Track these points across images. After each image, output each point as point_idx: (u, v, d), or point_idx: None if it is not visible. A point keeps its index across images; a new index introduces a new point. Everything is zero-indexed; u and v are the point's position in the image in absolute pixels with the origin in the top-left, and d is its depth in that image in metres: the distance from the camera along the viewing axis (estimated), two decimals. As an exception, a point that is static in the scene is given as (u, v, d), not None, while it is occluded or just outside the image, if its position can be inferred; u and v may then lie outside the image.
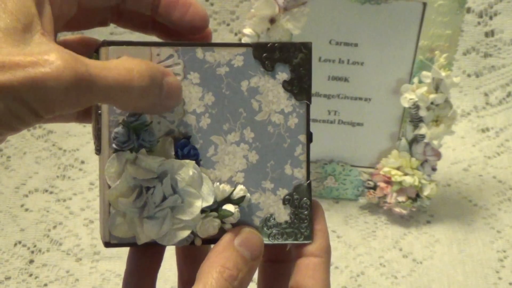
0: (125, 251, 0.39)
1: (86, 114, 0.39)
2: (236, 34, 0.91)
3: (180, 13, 0.36)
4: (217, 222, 0.35)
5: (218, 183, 0.36)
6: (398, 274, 0.71)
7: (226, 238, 0.35)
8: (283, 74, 0.36)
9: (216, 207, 0.36)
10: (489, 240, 0.76)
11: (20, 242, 0.71)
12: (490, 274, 0.71)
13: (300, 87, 0.37)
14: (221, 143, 0.36)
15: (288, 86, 0.37)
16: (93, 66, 0.28)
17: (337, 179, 0.79)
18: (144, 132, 0.34)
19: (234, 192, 0.36)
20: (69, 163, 0.82)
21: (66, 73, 0.27)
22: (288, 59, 0.36)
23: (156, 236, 0.34)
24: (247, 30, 0.69)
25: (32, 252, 0.70)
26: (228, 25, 0.91)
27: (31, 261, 0.69)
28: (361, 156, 0.79)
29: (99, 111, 0.34)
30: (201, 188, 0.35)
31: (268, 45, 0.36)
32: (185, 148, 0.35)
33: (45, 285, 0.67)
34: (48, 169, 0.81)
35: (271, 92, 0.36)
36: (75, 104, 0.28)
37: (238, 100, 0.36)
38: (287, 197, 0.37)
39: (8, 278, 0.67)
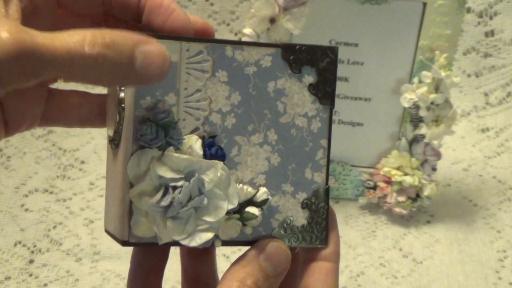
0: (125, 250, 0.39)
1: (89, 118, 0.38)
2: (236, 34, 0.91)
3: (161, 20, 0.35)
4: (239, 224, 0.35)
5: (241, 185, 0.35)
6: (398, 274, 0.71)
7: (252, 251, 0.35)
8: (309, 77, 0.36)
9: (238, 209, 0.35)
10: (489, 240, 0.76)
11: (20, 242, 0.71)
12: (490, 274, 0.71)
13: (325, 91, 0.37)
14: (245, 143, 0.35)
15: (313, 89, 0.36)
16: (42, 37, 0.27)
17: (337, 179, 0.79)
18: (173, 129, 0.33)
19: (258, 195, 0.36)
20: (69, 163, 0.82)
21: (10, 44, 0.26)
22: (315, 63, 0.36)
23: (179, 237, 0.33)
24: (247, 30, 0.69)
25: (32, 252, 0.70)
26: (228, 25, 0.91)
27: (31, 261, 0.69)
28: (361, 156, 0.79)
29: (122, 105, 0.33)
30: (228, 190, 0.34)
31: (296, 47, 0.36)
32: (213, 147, 0.34)
33: (45, 285, 0.67)
34: (48, 169, 0.81)
35: (296, 94, 0.36)
36: (23, 76, 0.27)
37: (264, 101, 0.36)
38: (305, 201, 0.37)
39: (8, 278, 0.67)
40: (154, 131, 0.33)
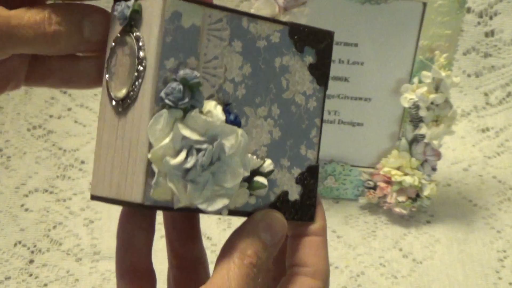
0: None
1: (72, 80, 0.38)
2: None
3: None
4: (247, 193, 0.35)
5: (249, 155, 0.36)
6: (398, 274, 0.71)
7: (251, 222, 0.35)
8: (309, 58, 0.38)
9: (247, 178, 0.35)
10: (489, 240, 0.76)
11: (20, 242, 0.71)
12: (490, 274, 0.71)
13: (322, 72, 0.38)
14: (252, 115, 0.36)
15: (312, 69, 0.38)
16: (14, 15, 0.31)
17: (337, 179, 0.79)
18: (198, 91, 0.33)
19: (264, 165, 0.36)
20: (69, 163, 0.82)
21: None
22: (315, 44, 0.38)
23: (197, 201, 0.33)
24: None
25: (32, 252, 0.70)
26: (228, 25, 0.91)
27: (31, 261, 0.69)
28: (361, 156, 0.79)
29: (143, 64, 0.33)
30: (244, 157, 0.35)
31: (301, 27, 0.37)
32: (232, 114, 0.34)
33: (45, 285, 0.67)
34: (48, 169, 0.81)
35: (298, 72, 0.37)
36: None
37: (270, 75, 0.36)
38: (299, 176, 0.38)
39: (8, 278, 0.67)
40: (182, 91, 0.32)
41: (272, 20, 0.36)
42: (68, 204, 0.76)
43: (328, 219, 0.79)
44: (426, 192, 0.76)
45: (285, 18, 0.68)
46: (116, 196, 0.34)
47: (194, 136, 0.32)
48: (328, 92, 0.77)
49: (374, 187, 0.78)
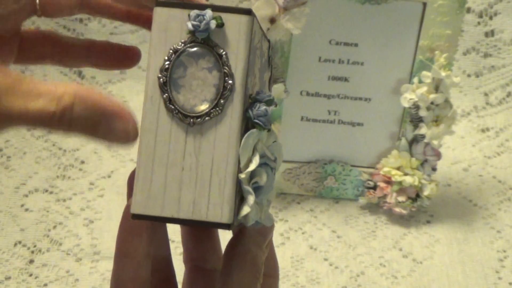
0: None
1: (62, 61, 0.39)
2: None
3: None
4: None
5: None
6: (398, 274, 0.71)
7: (250, 229, 0.36)
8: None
9: None
10: (489, 240, 0.76)
11: (20, 242, 0.71)
12: (490, 274, 0.71)
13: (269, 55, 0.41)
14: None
15: (269, 53, 0.40)
16: (14, 103, 0.29)
17: (337, 179, 0.79)
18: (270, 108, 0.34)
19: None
20: (69, 163, 0.82)
21: None
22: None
23: (261, 217, 0.34)
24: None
25: (32, 252, 0.70)
26: (228, 25, 0.91)
27: (31, 261, 0.69)
28: (361, 156, 0.79)
29: (231, 81, 0.32)
30: None
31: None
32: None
33: (45, 285, 0.67)
34: (48, 169, 0.81)
35: (264, 58, 0.39)
36: None
37: (264, 65, 0.38)
38: None
39: (8, 278, 0.67)
40: (269, 112, 0.33)
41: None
42: (68, 204, 0.76)
43: (328, 219, 0.80)
44: (426, 192, 0.76)
45: (285, 18, 0.68)
46: (192, 216, 0.33)
47: (271, 156, 0.34)
48: (328, 92, 0.77)
49: (374, 187, 0.78)
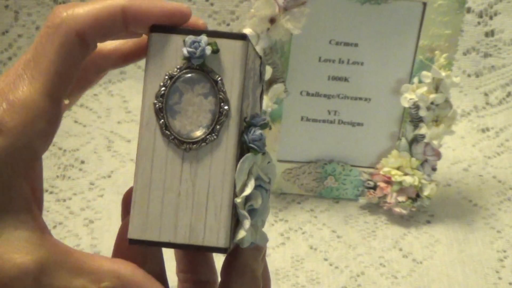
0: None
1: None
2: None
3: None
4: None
5: None
6: (398, 274, 0.71)
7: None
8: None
9: None
10: (489, 240, 0.76)
11: (20, 242, 0.71)
12: (490, 274, 0.71)
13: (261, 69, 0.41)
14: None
15: (261, 69, 0.40)
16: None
17: (337, 179, 0.79)
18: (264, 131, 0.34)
19: None
20: (69, 163, 0.82)
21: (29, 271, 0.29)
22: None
23: (257, 238, 0.35)
24: (247, 30, 0.69)
25: (32, 252, 0.70)
26: (228, 25, 0.91)
27: (31, 261, 0.69)
28: (361, 156, 0.79)
29: (226, 107, 0.33)
30: None
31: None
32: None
33: (45, 285, 0.67)
34: (48, 169, 0.81)
35: (256, 74, 0.38)
36: None
37: (256, 83, 0.38)
38: None
39: (8, 278, 0.67)
40: (262, 136, 0.33)
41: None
42: (68, 204, 0.76)
43: (328, 219, 0.80)
44: (426, 192, 0.76)
45: (285, 18, 0.68)
46: (189, 241, 0.33)
47: (266, 178, 0.34)
48: (328, 92, 0.77)
49: (374, 187, 0.78)
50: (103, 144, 0.85)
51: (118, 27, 0.32)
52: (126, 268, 0.31)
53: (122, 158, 0.83)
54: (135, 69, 0.93)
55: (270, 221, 0.76)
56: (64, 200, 0.77)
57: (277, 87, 0.72)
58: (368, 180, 0.79)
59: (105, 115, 0.89)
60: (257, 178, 0.34)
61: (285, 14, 0.68)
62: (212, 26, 0.90)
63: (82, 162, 0.82)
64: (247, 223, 0.33)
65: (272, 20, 0.69)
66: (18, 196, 0.31)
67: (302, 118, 0.77)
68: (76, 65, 0.32)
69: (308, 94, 0.76)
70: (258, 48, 0.70)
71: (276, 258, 0.71)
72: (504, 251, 0.74)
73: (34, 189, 0.32)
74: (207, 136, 0.33)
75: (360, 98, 0.76)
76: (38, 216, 0.32)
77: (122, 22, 0.32)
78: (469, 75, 0.94)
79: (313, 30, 0.72)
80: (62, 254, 0.31)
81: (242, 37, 0.33)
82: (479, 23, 0.92)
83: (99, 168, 0.81)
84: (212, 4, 0.90)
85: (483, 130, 0.92)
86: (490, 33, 0.92)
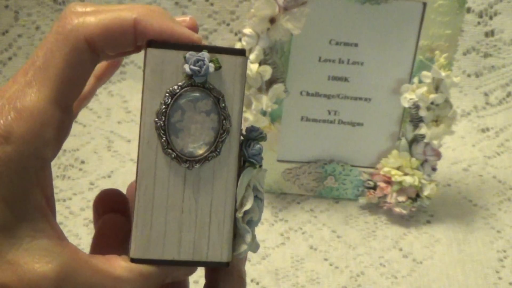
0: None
1: None
2: (236, 34, 0.91)
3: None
4: None
5: None
6: (398, 274, 0.71)
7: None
8: None
9: None
10: (489, 240, 0.76)
11: (20, 242, 0.71)
12: (490, 274, 0.71)
13: None
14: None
15: None
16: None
17: (337, 179, 0.79)
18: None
19: None
20: (69, 163, 0.82)
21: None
22: None
23: (252, 248, 0.35)
24: (247, 30, 0.69)
25: (32, 252, 0.70)
26: (228, 25, 0.91)
27: (31, 261, 0.69)
28: (361, 156, 0.79)
29: (229, 123, 0.33)
30: None
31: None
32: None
33: (45, 285, 0.67)
34: (48, 169, 0.81)
35: None
36: None
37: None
38: None
39: (8, 278, 0.67)
40: (260, 149, 0.34)
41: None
42: (68, 204, 0.76)
43: (328, 219, 0.80)
44: (426, 192, 0.76)
45: (285, 18, 0.68)
46: (192, 257, 0.33)
47: (261, 189, 0.34)
48: (328, 92, 0.77)
49: (374, 187, 0.78)
50: (103, 144, 0.85)
51: (129, 40, 0.32)
52: (147, 270, 0.32)
53: (122, 158, 0.83)
54: (135, 69, 0.93)
55: (270, 221, 0.76)
56: (64, 200, 0.77)
57: (277, 87, 0.72)
58: (368, 180, 0.79)
59: (105, 115, 0.89)
60: (254, 189, 0.34)
61: (285, 14, 0.68)
62: (212, 26, 0.90)
63: (82, 162, 0.82)
64: (248, 237, 0.33)
65: (272, 20, 0.69)
66: (33, 205, 0.31)
67: (302, 118, 0.77)
68: (86, 73, 0.32)
69: (308, 94, 0.76)
70: (258, 48, 0.70)
71: (276, 258, 0.71)
72: (504, 251, 0.74)
73: (46, 197, 0.32)
74: (210, 154, 0.33)
75: (360, 98, 0.76)
76: (54, 223, 0.32)
77: (133, 35, 0.32)
78: (469, 75, 0.94)
79: (313, 30, 0.72)
80: (81, 261, 0.31)
81: (241, 52, 0.33)
82: (479, 23, 0.92)
83: (99, 168, 0.81)
84: (212, 4, 0.90)
85: (483, 130, 0.92)
86: (490, 33, 0.92)
